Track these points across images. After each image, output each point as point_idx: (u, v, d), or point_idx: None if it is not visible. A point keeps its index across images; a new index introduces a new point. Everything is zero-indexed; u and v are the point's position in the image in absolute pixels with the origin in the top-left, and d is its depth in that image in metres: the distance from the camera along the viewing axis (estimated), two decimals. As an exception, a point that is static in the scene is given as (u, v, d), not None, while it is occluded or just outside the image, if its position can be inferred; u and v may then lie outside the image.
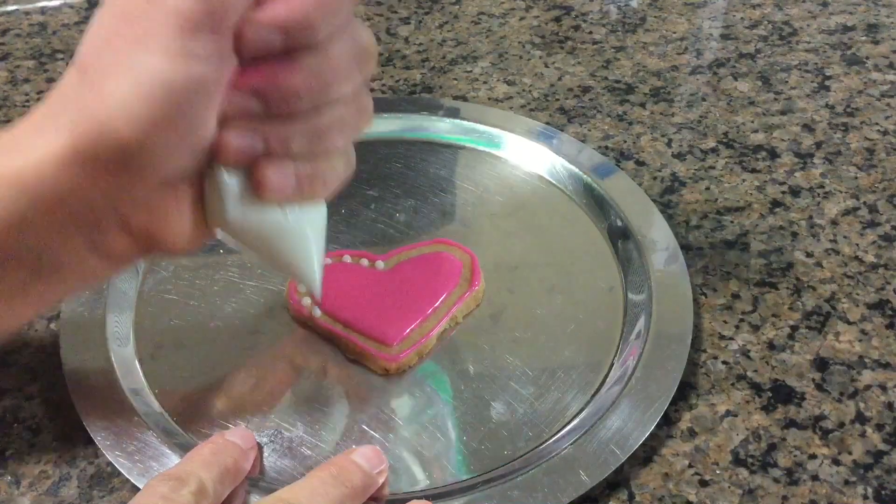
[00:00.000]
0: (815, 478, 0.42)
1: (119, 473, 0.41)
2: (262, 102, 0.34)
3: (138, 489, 0.38)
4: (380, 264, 0.50)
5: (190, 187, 0.36)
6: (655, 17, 0.74)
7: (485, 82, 0.67)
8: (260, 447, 0.42)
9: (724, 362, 0.47)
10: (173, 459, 0.40)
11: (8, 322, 0.38)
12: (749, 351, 0.47)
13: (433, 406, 0.44)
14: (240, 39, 0.33)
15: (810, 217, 0.55)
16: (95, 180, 0.33)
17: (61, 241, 0.35)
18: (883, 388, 0.46)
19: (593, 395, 0.45)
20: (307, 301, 0.48)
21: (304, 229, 0.39)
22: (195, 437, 0.42)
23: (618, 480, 0.41)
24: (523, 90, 0.66)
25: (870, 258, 0.53)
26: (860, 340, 0.48)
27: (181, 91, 0.32)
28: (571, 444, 0.42)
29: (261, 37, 0.33)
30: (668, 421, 0.44)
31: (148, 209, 0.35)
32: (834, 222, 0.55)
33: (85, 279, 0.38)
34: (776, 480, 0.42)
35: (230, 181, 0.35)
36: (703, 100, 0.65)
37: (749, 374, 0.46)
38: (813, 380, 0.46)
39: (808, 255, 0.53)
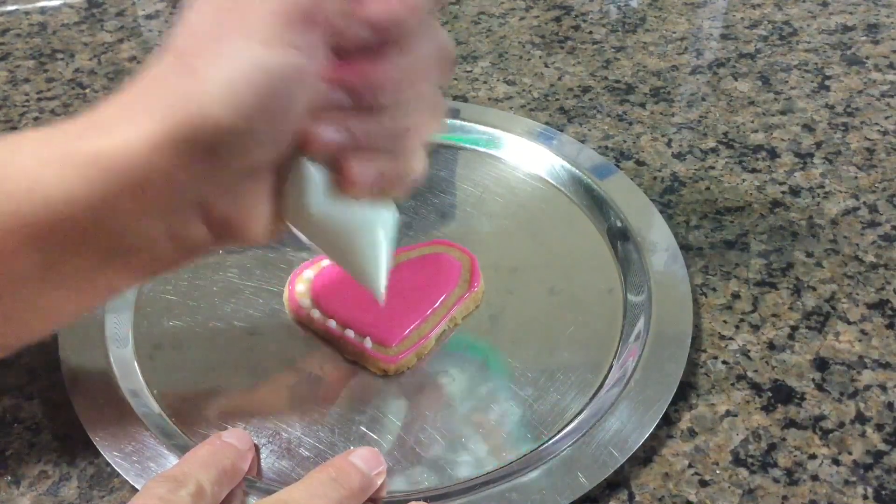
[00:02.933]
0: (815, 478, 0.42)
1: (119, 473, 0.41)
2: (350, 96, 0.35)
3: (137, 490, 0.38)
4: (379, 265, 0.49)
5: (271, 178, 0.36)
6: (655, 17, 0.74)
7: (485, 82, 0.67)
8: (257, 448, 0.42)
9: (724, 362, 0.47)
10: (171, 460, 0.40)
11: (72, 309, 0.38)
12: (749, 351, 0.47)
13: (432, 407, 0.44)
14: (334, 34, 0.34)
15: (810, 217, 0.55)
16: (187, 165, 0.33)
17: (140, 225, 0.35)
18: (883, 388, 0.46)
19: (592, 397, 0.45)
20: (306, 302, 0.48)
21: (377, 228, 0.39)
22: (193, 438, 0.42)
23: (618, 480, 0.41)
24: (523, 90, 0.66)
25: (870, 258, 0.52)
26: (860, 340, 0.48)
27: (279, 79, 0.33)
28: (570, 445, 0.41)
29: (354, 32, 0.34)
30: (668, 421, 0.44)
31: (231, 197, 0.35)
32: (834, 222, 0.55)
33: (153, 269, 0.38)
34: (776, 480, 0.42)
35: (314, 174, 0.36)
36: (703, 100, 0.65)
37: (749, 374, 0.46)
38: (813, 380, 0.46)
39: (808, 255, 0.53)
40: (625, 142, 0.61)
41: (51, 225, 0.33)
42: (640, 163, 0.59)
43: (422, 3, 0.35)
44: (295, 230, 0.39)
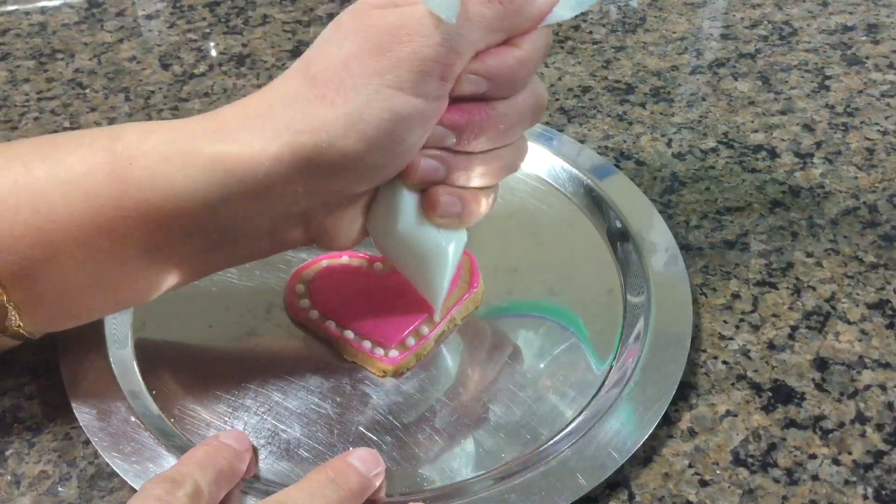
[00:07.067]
0: (815, 478, 0.42)
1: (119, 474, 0.41)
2: (454, 136, 0.39)
3: (136, 490, 0.38)
4: (378, 266, 0.49)
5: (368, 196, 0.41)
6: (655, 17, 0.74)
7: (484, 83, 0.67)
8: (255, 449, 0.42)
9: (724, 362, 0.47)
10: (170, 461, 0.40)
11: (167, 286, 0.41)
12: (749, 351, 0.47)
13: (431, 408, 0.44)
14: (455, 84, 0.38)
15: (810, 217, 0.55)
16: (304, 180, 0.37)
17: (247, 224, 0.39)
18: (883, 388, 0.46)
19: (592, 398, 0.45)
20: (305, 303, 0.48)
21: (450, 251, 0.43)
22: (192, 438, 0.42)
23: (618, 480, 0.41)
24: (523, 90, 0.66)
25: (870, 258, 0.52)
26: (860, 340, 0.48)
27: (405, 122, 0.37)
28: (569, 447, 0.41)
29: (472, 82, 0.38)
30: (668, 421, 0.44)
31: (332, 210, 0.40)
32: (834, 222, 0.55)
33: (246, 258, 0.42)
34: (776, 480, 0.42)
35: (405, 197, 0.40)
36: (703, 100, 0.65)
37: (749, 374, 0.46)
38: (813, 380, 0.46)
39: (808, 255, 0.53)
40: (625, 142, 0.61)
41: (167, 215, 0.37)
42: (640, 163, 0.59)
43: (533, 60, 0.39)
44: (375, 242, 0.43)
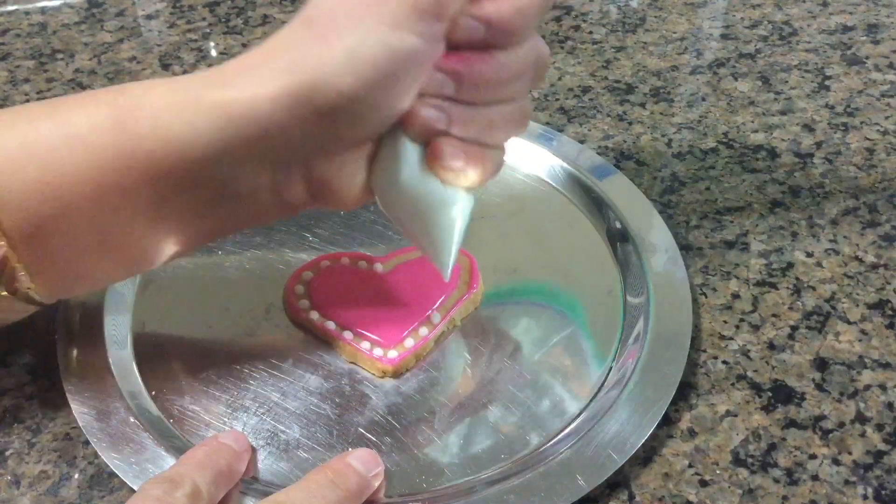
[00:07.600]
0: (815, 478, 0.42)
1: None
2: (454, 84, 0.39)
3: (135, 491, 0.38)
4: (378, 266, 0.49)
5: (370, 149, 0.40)
6: (655, 17, 0.74)
7: (484, 83, 0.67)
8: (254, 449, 0.42)
9: (724, 362, 0.47)
10: (169, 462, 0.40)
11: (172, 250, 0.41)
12: (749, 351, 0.47)
13: (430, 409, 0.44)
14: (452, 27, 0.38)
15: (810, 217, 0.55)
16: (302, 123, 0.36)
17: (249, 175, 0.38)
18: (883, 388, 0.46)
19: (591, 399, 0.44)
20: (305, 303, 0.48)
21: (455, 209, 0.42)
22: (191, 439, 0.42)
23: (618, 480, 0.41)
24: (523, 91, 0.66)
25: (870, 258, 0.52)
26: (860, 340, 0.48)
27: (401, 60, 0.36)
28: (569, 447, 0.41)
29: (468, 27, 0.38)
30: (668, 421, 0.44)
31: (333, 161, 0.39)
32: (834, 222, 0.55)
33: (250, 220, 0.42)
34: (776, 480, 0.42)
35: (409, 149, 0.40)
36: (703, 100, 0.65)
37: (749, 374, 0.46)
38: (813, 380, 0.46)
39: (808, 255, 0.53)
40: (625, 142, 0.61)
41: (170, 165, 0.37)
42: (640, 163, 0.59)
43: (531, 9, 0.38)
44: (380, 200, 0.42)
